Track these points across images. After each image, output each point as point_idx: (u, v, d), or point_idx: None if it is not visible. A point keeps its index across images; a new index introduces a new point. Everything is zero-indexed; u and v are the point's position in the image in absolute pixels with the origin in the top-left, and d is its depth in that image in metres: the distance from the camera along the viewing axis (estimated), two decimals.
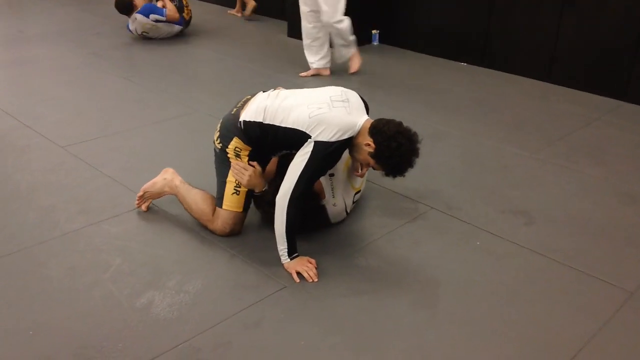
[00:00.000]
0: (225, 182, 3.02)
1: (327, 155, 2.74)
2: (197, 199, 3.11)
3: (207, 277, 2.74)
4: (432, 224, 3.20)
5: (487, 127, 4.42)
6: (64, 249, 2.94)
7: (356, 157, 2.90)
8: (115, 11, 6.56)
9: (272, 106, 2.90)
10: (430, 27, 6.07)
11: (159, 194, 3.27)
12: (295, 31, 6.65)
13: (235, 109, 3.03)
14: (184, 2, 6.54)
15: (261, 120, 2.89)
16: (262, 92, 3.06)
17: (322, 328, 2.46)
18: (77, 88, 5.13)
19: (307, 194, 2.83)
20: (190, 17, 6.65)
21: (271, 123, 2.87)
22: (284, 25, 6.92)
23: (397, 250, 2.97)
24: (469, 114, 4.65)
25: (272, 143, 2.95)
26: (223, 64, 5.81)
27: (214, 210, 3.05)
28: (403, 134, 2.72)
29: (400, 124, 2.77)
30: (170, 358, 2.29)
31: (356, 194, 3.21)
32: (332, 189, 3.06)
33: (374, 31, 6.47)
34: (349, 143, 2.79)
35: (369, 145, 2.74)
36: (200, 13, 7.42)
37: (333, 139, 2.72)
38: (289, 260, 2.80)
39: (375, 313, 2.54)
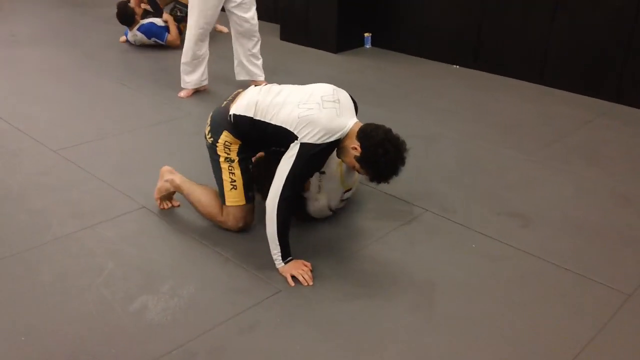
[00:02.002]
0: (221, 180, 3.03)
1: (313, 156, 2.73)
2: (201, 199, 3.14)
3: (200, 281, 2.72)
4: (428, 227, 3.19)
5: (481, 129, 4.41)
6: (57, 253, 2.91)
7: (343, 160, 2.89)
8: (109, 14, 6.53)
9: (263, 102, 2.89)
10: (423, 30, 6.07)
11: (172, 194, 3.30)
12: (287, 34, 6.65)
13: (225, 102, 3.04)
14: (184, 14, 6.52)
15: (252, 116, 2.89)
16: (254, 86, 3.06)
17: (318, 332, 2.44)
18: (70, 91, 5.10)
19: (296, 195, 2.83)
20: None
21: (261, 119, 2.86)
22: (276, 28, 6.90)
23: (392, 253, 2.96)
24: (463, 116, 4.64)
25: (261, 139, 2.94)
26: (215, 65, 5.77)
27: (220, 207, 3.07)
28: (391, 142, 2.68)
29: (389, 130, 2.74)
30: None
31: (346, 191, 3.21)
32: (320, 186, 3.06)
33: (366, 34, 6.46)
34: (337, 145, 2.78)
35: (355, 149, 2.71)
36: None
37: (319, 141, 2.70)
38: (283, 264, 2.77)
39: (371, 316, 2.53)
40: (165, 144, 4.12)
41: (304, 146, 2.70)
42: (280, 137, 2.78)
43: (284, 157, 2.75)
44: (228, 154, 2.98)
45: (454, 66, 5.82)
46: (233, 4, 4.83)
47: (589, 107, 4.85)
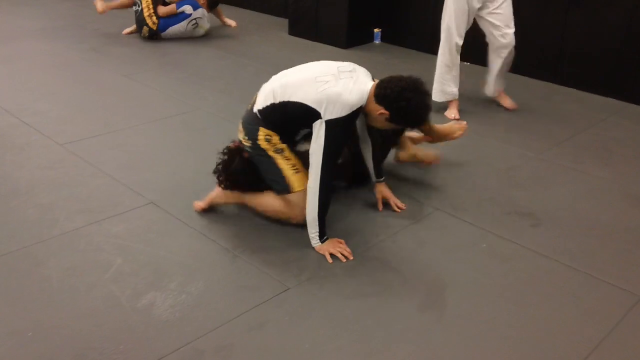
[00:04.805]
0: (279, 169, 2.98)
1: (340, 129, 2.78)
2: (266, 200, 3.05)
3: (209, 279, 2.70)
4: (438, 226, 3.16)
5: (492, 127, 4.38)
6: (64, 248, 2.89)
7: (378, 127, 2.96)
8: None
9: (279, 85, 2.93)
10: (433, 26, 6.01)
11: (224, 204, 3.22)
12: (297, 29, 6.62)
13: (250, 106, 3.06)
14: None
15: (273, 102, 2.92)
16: (265, 84, 3.08)
17: (328, 330, 2.41)
18: (77, 85, 5.08)
19: (333, 173, 2.87)
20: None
21: (282, 100, 2.88)
22: (285, 23, 6.88)
23: (402, 251, 2.93)
24: (474, 114, 4.60)
25: (288, 120, 2.94)
26: (224, 61, 5.77)
27: (284, 201, 3.00)
28: (407, 90, 2.75)
29: (399, 79, 2.80)
30: None
31: None
32: None
33: (376, 30, 6.43)
34: (360, 111, 2.82)
35: (382, 113, 2.78)
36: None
37: (343, 114, 2.74)
38: (320, 243, 2.86)
39: (381, 315, 2.50)
40: (173, 139, 4.10)
41: (329, 123, 2.74)
42: (304, 115, 2.80)
43: (312, 139, 2.79)
44: (274, 144, 2.97)
45: (465, 63, 5.77)
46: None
47: (602, 106, 4.81)
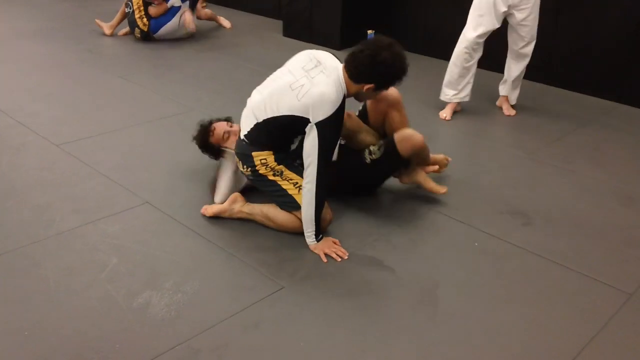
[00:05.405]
0: (283, 190, 2.97)
1: (331, 127, 2.78)
2: (277, 219, 3.02)
3: (204, 278, 2.72)
4: (430, 225, 3.19)
5: (484, 126, 4.41)
6: (60, 248, 2.91)
7: (370, 100, 3.05)
8: (110, 9, 6.53)
9: (256, 104, 2.96)
10: (426, 27, 6.06)
11: (229, 217, 3.16)
12: (291, 31, 6.64)
13: (238, 136, 3.12)
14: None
15: (256, 122, 2.93)
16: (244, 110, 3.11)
17: (322, 329, 2.44)
18: (72, 86, 5.09)
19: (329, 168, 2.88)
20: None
21: (266, 117, 2.89)
22: (279, 24, 6.89)
23: (396, 250, 2.96)
24: (466, 115, 4.63)
25: (278, 135, 2.95)
26: (219, 62, 5.78)
27: (295, 217, 2.97)
28: (375, 54, 2.74)
29: (360, 50, 2.77)
30: (168, 359, 2.27)
31: None
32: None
33: (369, 31, 6.42)
34: (344, 99, 2.83)
35: (369, 88, 2.80)
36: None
37: (330, 112, 2.74)
38: (316, 242, 2.87)
39: (374, 314, 2.53)
40: (168, 140, 4.12)
41: (319, 125, 2.74)
42: (292, 125, 2.83)
43: (305, 141, 2.79)
44: (272, 168, 2.97)
45: None
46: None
47: (591, 107, 4.85)
